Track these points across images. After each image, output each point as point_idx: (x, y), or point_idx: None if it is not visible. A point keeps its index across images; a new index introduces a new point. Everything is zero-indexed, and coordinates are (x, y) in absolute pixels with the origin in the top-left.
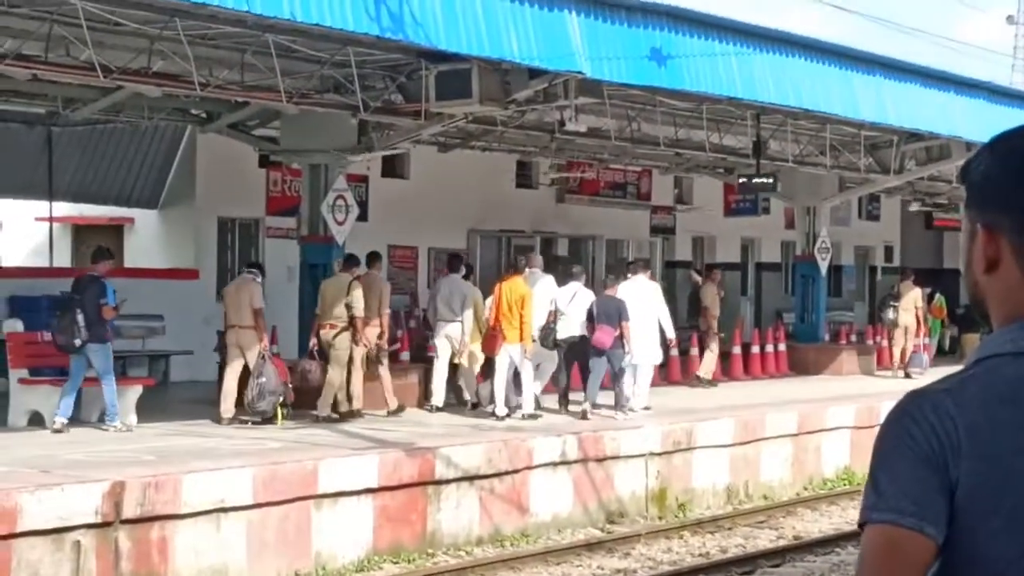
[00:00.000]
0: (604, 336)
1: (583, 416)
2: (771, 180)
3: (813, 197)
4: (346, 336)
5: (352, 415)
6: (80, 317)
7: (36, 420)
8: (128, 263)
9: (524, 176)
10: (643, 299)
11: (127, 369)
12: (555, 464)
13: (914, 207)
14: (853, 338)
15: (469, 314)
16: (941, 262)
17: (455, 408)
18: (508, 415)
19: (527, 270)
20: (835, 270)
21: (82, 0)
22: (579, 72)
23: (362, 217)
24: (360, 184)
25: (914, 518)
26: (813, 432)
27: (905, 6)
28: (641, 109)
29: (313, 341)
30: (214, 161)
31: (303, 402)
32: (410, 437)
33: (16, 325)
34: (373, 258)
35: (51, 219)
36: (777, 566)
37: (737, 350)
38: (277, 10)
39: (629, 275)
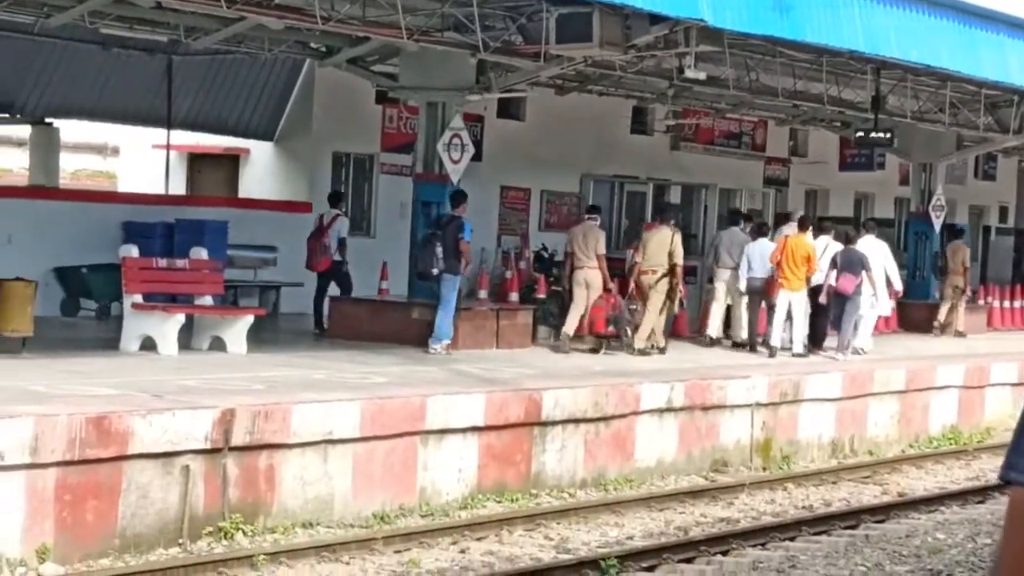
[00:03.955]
0: (846, 283)
1: (832, 357)
2: (888, 136)
3: (930, 154)
4: (666, 281)
5: (662, 350)
6: (439, 249)
7: (148, 345)
8: (242, 193)
9: (639, 122)
10: (871, 256)
11: (238, 299)
12: (661, 411)
13: None
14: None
15: (743, 260)
16: None
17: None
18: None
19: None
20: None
21: None
22: (701, 20)
23: (476, 157)
24: (476, 124)
25: None
26: (921, 390)
27: None
28: (760, 59)
29: (632, 285)
30: (331, 95)
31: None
32: (518, 377)
33: (131, 250)
34: (663, 213)
35: (168, 147)
36: (881, 522)
37: None
38: None
39: (862, 234)
